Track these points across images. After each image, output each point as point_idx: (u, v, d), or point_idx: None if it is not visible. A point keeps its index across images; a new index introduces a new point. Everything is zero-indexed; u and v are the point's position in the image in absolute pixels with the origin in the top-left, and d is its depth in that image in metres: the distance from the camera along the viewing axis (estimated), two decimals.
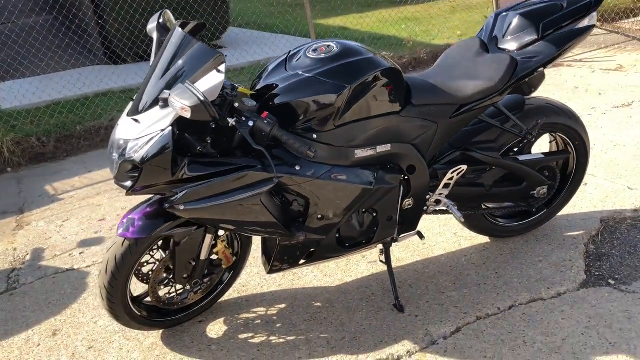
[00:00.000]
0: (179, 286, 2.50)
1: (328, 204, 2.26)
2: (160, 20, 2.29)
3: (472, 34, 7.60)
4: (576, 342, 2.24)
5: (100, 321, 2.73)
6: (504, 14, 2.59)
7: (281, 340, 2.46)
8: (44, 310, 2.88)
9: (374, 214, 2.42)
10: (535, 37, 2.46)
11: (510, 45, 2.50)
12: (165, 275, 2.44)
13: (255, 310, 2.68)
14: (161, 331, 2.59)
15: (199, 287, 2.52)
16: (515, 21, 2.51)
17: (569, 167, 2.86)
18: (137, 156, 2.01)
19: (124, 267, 2.26)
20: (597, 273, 2.65)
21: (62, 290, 3.04)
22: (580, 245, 2.86)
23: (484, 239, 3.00)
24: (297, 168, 2.16)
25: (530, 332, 2.32)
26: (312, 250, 2.41)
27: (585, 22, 2.45)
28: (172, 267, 2.41)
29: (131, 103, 2.20)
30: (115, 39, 7.29)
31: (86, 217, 3.87)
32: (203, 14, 7.48)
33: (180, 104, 1.81)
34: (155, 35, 2.30)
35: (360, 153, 2.26)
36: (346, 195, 2.27)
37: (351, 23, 8.34)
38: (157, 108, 2.03)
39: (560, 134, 2.74)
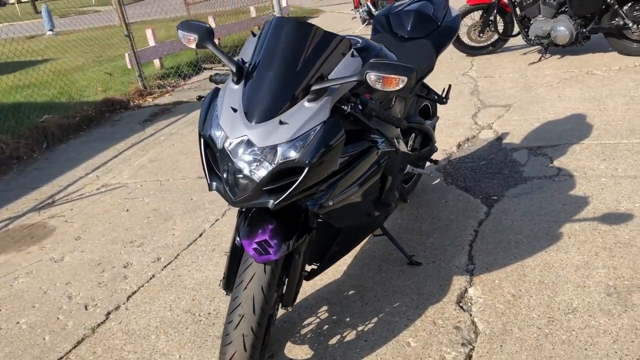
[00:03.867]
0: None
1: (396, 175, 2.47)
2: (207, 26, 2.08)
3: (112, 84, 7.71)
4: (536, 228, 3.05)
5: None
6: (393, 14, 3.19)
7: (363, 328, 2.49)
8: None
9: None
10: (437, 24, 3.16)
11: (418, 33, 3.13)
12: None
13: (305, 323, 2.58)
14: None
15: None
16: (414, 16, 3.14)
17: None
18: (302, 156, 1.84)
19: (271, 296, 1.97)
20: (481, 196, 3.53)
21: None
22: (451, 187, 3.71)
23: None
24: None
25: (511, 236, 3.03)
26: (371, 227, 2.55)
27: (455, 12, 3.30)
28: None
29: (235, 114, 1.92)
30: None
31: None
32: None
33: (395, 76, 1.82)
34: (209, 45, 2.08)
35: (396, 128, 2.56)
36: (402, 163, 2.53)
37: None
38: (302, 102, 1.90)
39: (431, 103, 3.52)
